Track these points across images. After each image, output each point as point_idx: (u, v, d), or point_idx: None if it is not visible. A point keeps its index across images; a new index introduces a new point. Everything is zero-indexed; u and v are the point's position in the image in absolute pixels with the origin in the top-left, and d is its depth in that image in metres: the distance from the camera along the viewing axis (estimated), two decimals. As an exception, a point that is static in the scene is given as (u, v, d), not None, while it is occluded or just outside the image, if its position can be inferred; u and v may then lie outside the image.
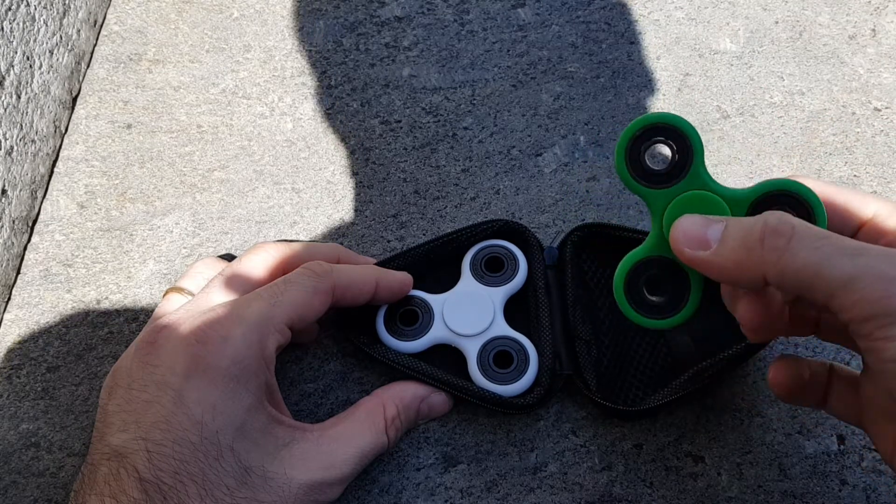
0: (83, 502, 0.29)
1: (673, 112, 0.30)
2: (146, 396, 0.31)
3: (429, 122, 0.51)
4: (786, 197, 0.29)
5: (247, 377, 0.32)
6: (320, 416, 0.40)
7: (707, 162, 0.49)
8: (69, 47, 0.52)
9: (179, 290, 0.38)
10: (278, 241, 0.40)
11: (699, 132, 0.30)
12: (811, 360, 0.32)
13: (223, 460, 0.30)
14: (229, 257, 0.41)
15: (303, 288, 0.34)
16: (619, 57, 0.53)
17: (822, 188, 0.30)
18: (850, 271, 0.24)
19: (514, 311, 0.41)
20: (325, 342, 0.42)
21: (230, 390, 0.31)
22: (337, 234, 0.46)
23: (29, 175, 0.47)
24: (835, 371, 0.32)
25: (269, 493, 0.31)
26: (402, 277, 0.39)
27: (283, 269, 0.37)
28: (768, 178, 0.49)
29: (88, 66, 0.54)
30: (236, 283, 0.36)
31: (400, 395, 0.37)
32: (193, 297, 0.36)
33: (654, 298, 0.32)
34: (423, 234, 0.46)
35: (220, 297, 0.35)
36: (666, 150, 0.30)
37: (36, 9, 0.49)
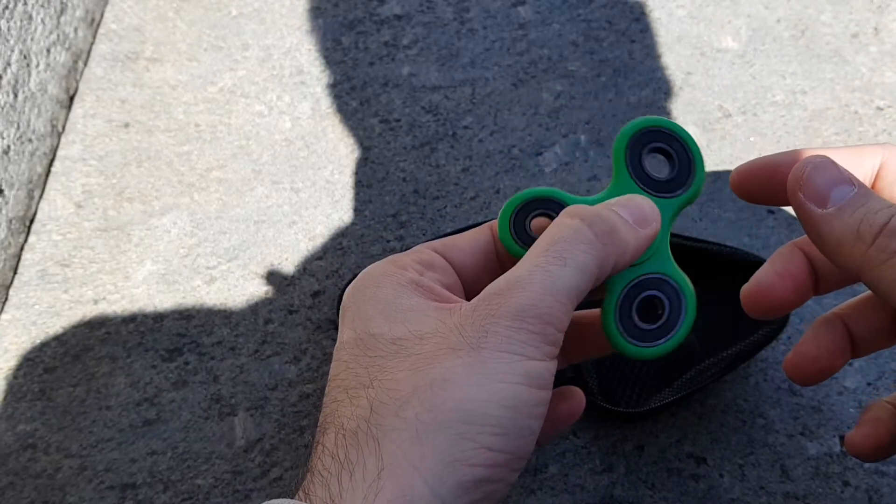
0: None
1: (668, 118, 0.29)
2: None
3: (428, 121, 0.50)
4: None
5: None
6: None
7: (708, 161, 0.49)
8: (66, 46, 0.52)
9: None
10: None
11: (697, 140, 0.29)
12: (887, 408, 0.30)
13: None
14: None
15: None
16: (621, 55, 0.53)
17: (811, 155, 0.28)
18: None
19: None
20: (323, 343, 0.42)
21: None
22: (336, 234, 0.46)
23: (26, 174, 0.47)
24: None
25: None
26: None
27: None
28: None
29: (86, 65, 0.54)
30: None
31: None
32: None
33: (645, 325, 0.28)
34: (423, 235, 0.46)
35: None
36: (664, 159, 0.29)
37: (33, 7, 0.48)
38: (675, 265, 0.28)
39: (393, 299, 0.26)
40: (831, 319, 0.30)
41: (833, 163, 0.25)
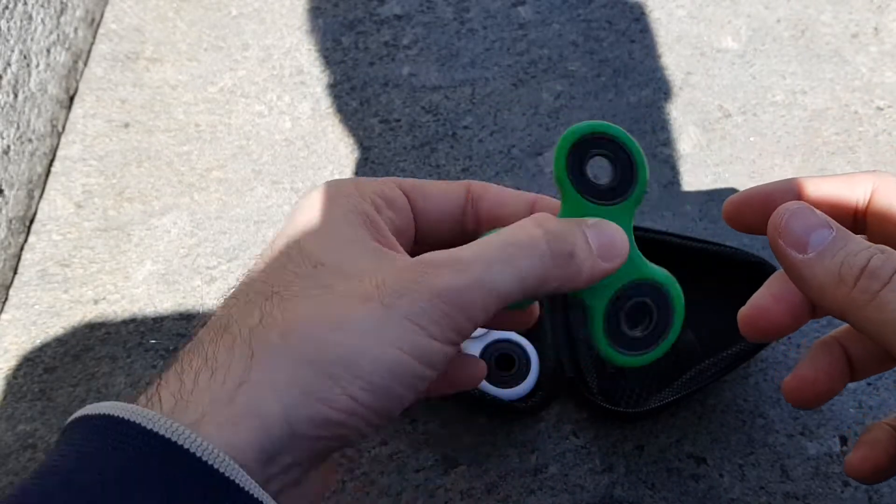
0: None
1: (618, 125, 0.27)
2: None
3: (428, 122, 0.50)
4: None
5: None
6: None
7: (707, 161, 0.49)
8: (66, 46, 0.52)
9: None
10: None
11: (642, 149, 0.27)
12: (885, 429, 0.30)
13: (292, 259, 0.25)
14: None
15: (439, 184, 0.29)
16: (621, 55, 0.53)
17: (801, 185, 0.28)
18: None
19: (515, 311, 0.41)
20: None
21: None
22: (336, 234, 0.46)
23: (26, 174, 0.47)
24: None
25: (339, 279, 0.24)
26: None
27: None
28: (771, 178, 0.48)
29: (86, 65, 0.54)
30: None
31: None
32: None
33: (633, 332, 0.28)
34: (423, 234, 0.46)
35: None
36: (606, 164, 0.27)
37: (33, 7, 0.48)
38: (654, 267, 0.28)
39: (338, 224, 0.25)
40: (829, 343, 0.30)
41: (810, 208, 0.25)
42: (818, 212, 0.25)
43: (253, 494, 0.20)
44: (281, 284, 0.24)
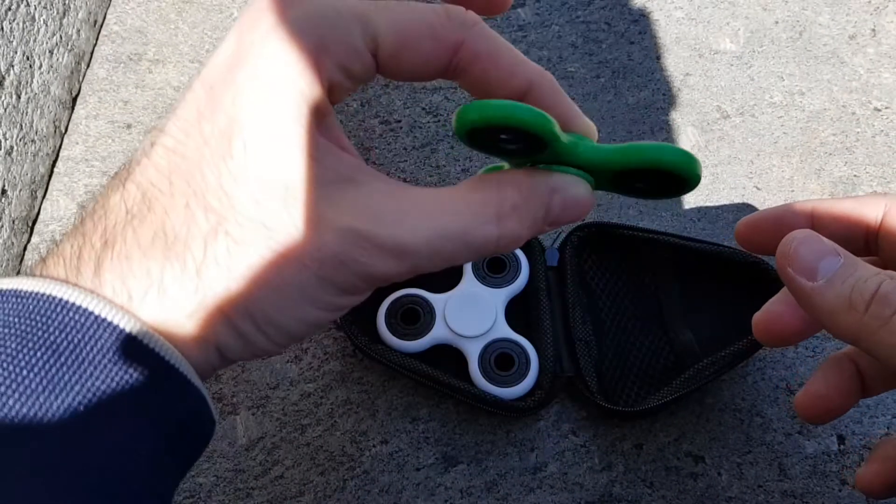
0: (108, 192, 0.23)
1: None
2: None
3: (429, 122, 0.51)
4: (656, 173, 0.23)
5: (292, 75, 0.22)
6: (320, 416, 0.40)
7: (706, 162, 0.49)
8: (69, 47, 0.52)
9: None
10: None
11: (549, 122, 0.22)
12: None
13: (231, 160, 0.21)
14: None
15: (421, 13, 0.23)
16: (619, 57, 0.53)
17: (813, 208, 0.29)
18: None
19: (516, 312, 0.41)
20: (324, 342, 0.42)
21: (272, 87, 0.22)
22: (337, 235, 0.46)
23: (29, 175, 0.47)
24: None
25: (282, 220, 0.21)
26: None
27: None
28: (769, 179, 0.48)
29: (88, 66, 0.54)
30: None
31: (525, 181, 0.24)
32: None
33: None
34: (424, 235, 0.46)
35: None
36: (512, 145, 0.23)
37: (36, 9, 0.49)
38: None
39: (287, 124, 0.22)
40: (841, 359, 0.31)
41: (818, 236, 0.25)
42: (826, 240, 0.25)
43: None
44: (216, 199, 0.21)
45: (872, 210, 0.28)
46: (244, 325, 0.22)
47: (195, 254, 0.21)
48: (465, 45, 0.23)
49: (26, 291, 0.21)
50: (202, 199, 0.21)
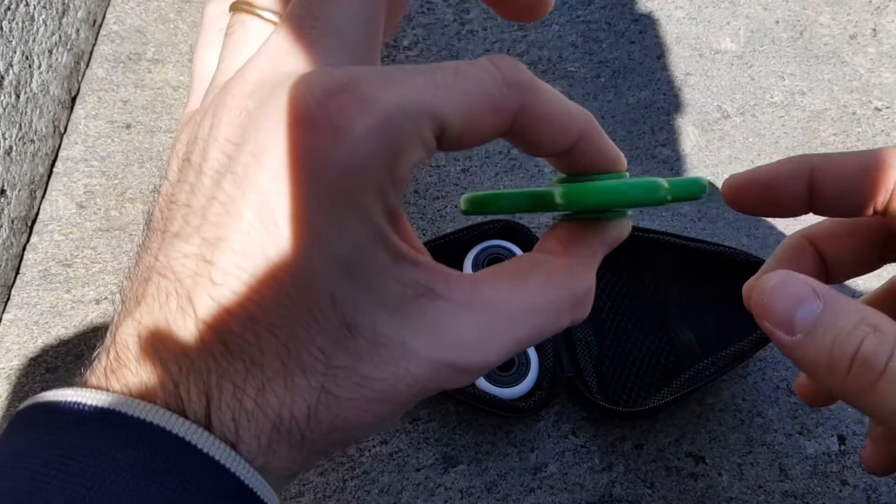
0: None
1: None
2: (218, 192, 0.20)
3: (429, 122, 0.51)
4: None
5: (364, 193, 0.20)
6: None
7: (706, 162, 0.49)
8: (68, 47, 0.52)
9: (248, 5, 0.24)
10: None
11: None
12: None
13: (318, 312, 0.20)
14: None
15: (481, 85, 0.21)
16: (620, 56, 0.53)
17: (813, 167, 0.26)
18: None
19: (515, 311, 0.41)
20: (324, 342, 0.42)
21: (339, 211, 0.19)
22: (337, 234, 0.46)
23: (28, 175, 0.47)
24: None
25: (375, 365, 0.20)
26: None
27: None
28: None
29: (87, 66, 0.54)
30: (348, 21, 0.22)
31: (590, 259, 0.24)
32: (277, 27, 0.22)
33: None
34: (423, 235, 0.46)
35: (329, 42, 0.22)
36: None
37: (35, 8, 0.48)
38: None
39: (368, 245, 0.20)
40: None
41: (792, 277, 0.23)
42: (801, 278, 0.23)
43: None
44: (314, 352, 0.20)
45: (885, 168, 0.25)
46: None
47: (302, 429, 0.21)
48: (523, 111, 0.22)
49: (220, 465, 0.19)
50: (297, 360, 0.20)
